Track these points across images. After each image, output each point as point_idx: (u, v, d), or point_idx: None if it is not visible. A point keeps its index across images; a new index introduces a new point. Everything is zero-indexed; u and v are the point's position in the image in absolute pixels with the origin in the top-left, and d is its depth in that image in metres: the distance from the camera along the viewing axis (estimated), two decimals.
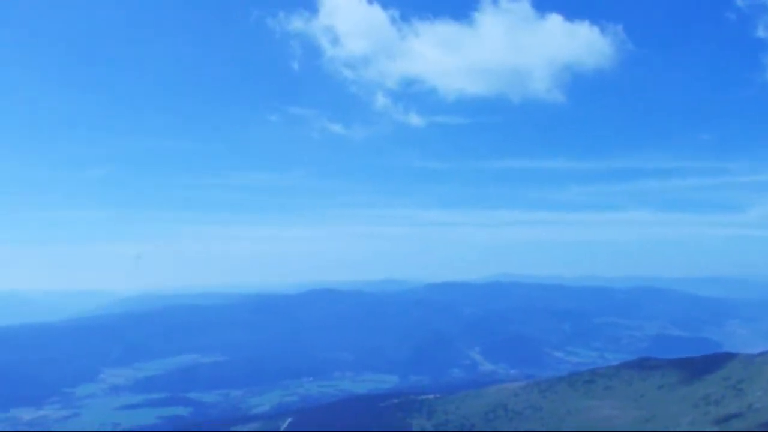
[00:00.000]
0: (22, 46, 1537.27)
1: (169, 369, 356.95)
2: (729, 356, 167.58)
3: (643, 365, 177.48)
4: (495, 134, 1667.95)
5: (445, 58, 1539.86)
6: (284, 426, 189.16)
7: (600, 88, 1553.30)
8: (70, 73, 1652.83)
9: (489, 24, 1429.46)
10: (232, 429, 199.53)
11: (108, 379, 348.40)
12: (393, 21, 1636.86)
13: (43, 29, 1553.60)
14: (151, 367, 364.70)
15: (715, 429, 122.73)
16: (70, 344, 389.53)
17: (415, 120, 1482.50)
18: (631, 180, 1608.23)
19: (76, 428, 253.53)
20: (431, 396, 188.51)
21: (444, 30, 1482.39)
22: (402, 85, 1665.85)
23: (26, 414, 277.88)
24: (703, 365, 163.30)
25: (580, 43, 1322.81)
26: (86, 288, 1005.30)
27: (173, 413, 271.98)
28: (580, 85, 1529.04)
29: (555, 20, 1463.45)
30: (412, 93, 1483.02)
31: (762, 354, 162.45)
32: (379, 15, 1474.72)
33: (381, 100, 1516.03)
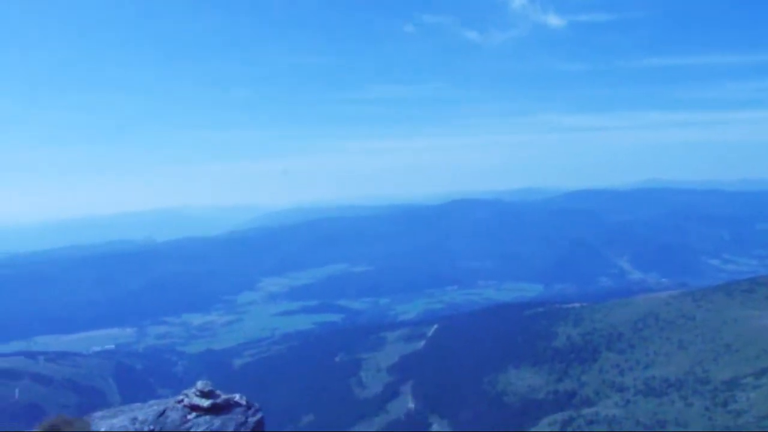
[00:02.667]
0: None
1: (320, 278, 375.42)
2: None
3: None
4: (641, 31, 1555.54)
5: None
6: (431, 332, 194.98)
7: None
8: None
9: None
10: (381, 334, 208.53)
11: (265, 287, 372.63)
12: None
13: None
14: (304, 276, 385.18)
15: None
16: (230, 256, 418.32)
17: (554, 20, 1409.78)
18: None
19: (239, 332, 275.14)
20: (577, 304, 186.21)
21: None
22: None
23: (196, 319, 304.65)
24: None
25: None
26: (240, 203, 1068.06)
27: (326, 319, 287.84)
28: None
29: None
30: None
31: None
32: None
33: (517, 2, 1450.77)
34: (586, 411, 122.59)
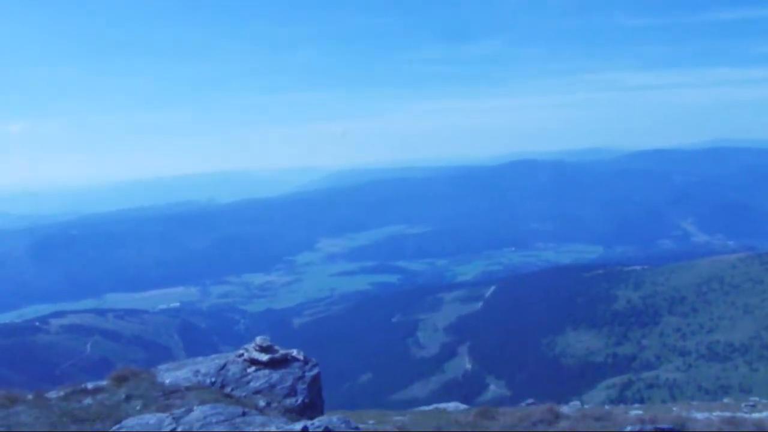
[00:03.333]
0: None
1: (378, 239, 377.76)
2: None
3: None
4: None
5: None
6: (488, 294, 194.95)
7: None
8: None
9: None
10: (439, 295, 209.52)
11: (324, 248, 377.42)
12: None
13: None
14: (362, 237, 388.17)
15: None
16: (290, 217, 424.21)
17: None
18: None
19: (298, 291, 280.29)
20: (638, 267, 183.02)
21: None
22: None
23: (256, 279, 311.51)
24: None
25: None
26: (301, 165, 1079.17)
27: (383, 280, 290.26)
28: None
29: None
30: None
31: None
32: None
33: None
34: (646, 375, 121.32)
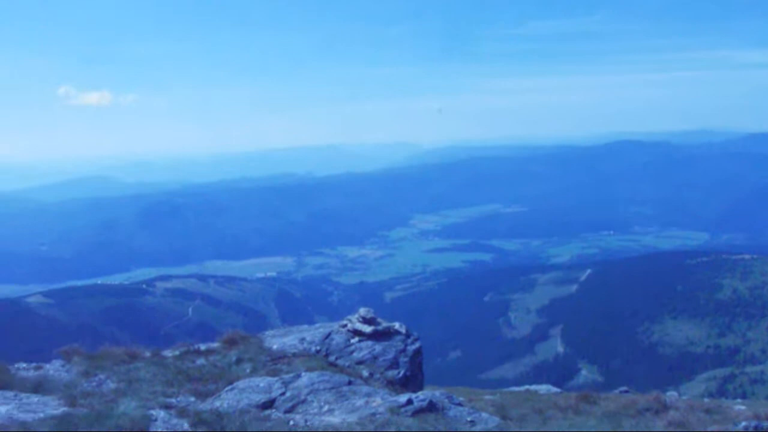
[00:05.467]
0: None
1: (472, 217, 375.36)
2: None
3: None
4: None
5: None
6: (583, 277, 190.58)
7: None
8: None
9: None
10: (532, 276, 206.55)
11: (418, 224, 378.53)
12: None
13: None
14: (456, 215, 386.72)
15: None
16: (385, 192, 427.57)
17: None
18: None
19: (391, 266, 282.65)
20: (747, 256, 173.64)
21: None
22: None
23: (350, 252, 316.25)
24: None
25: None
26: (396, 140, 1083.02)
27: (476, 258, 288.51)
28: None
29: None
30: None
31: None
32: None
33: None
34: (750, 369, 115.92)
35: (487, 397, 27.05)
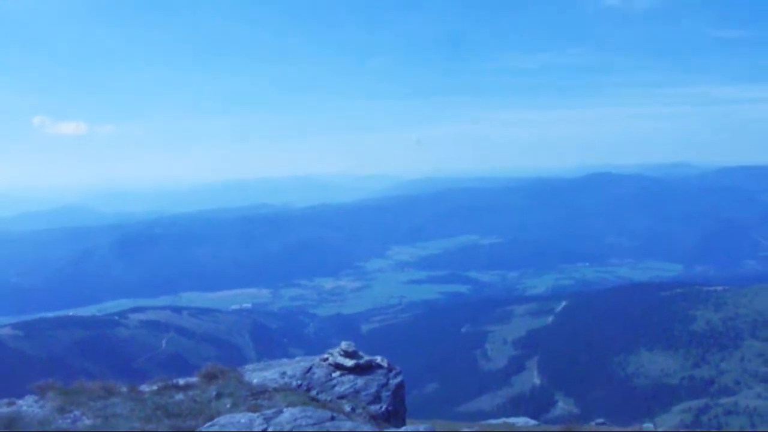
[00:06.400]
0: None
1: (449, 248, 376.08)
2: None
3: None
4: None
5: None
6: (559, 308, 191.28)
7: None
8: None
9: None
10: (509, 308, 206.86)
11: (395, 255, 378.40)
12: None
13: None
14: (433, 246, 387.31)
15: None
16: (361, 223, 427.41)
17: None
18: None
19: (367, 297, 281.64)
20: (720, 288, 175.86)
21: None
22: None
23: (327, 283, 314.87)
24: None
25: None
26: (374, 172, 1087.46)
27: (453, 290, 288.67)
28: None
29: None
30: None
31: None
32: None
33: None
34: (725, 400, 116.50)
35: (464, 430, 26.88)
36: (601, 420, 34.54)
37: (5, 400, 16.02)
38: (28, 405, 15.53)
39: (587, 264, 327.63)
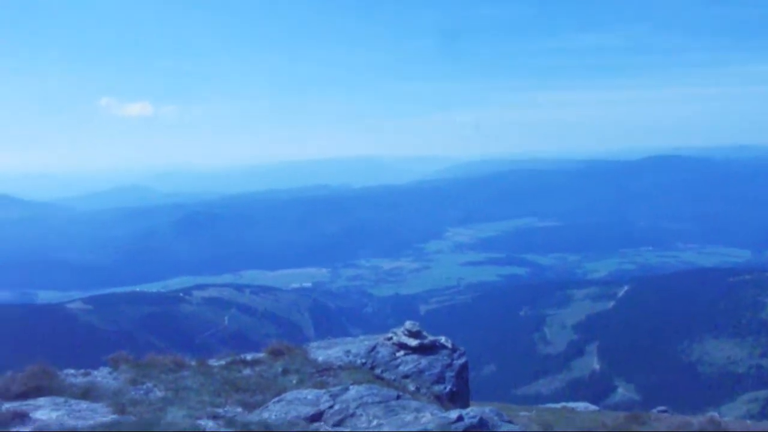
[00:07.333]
0: None
1: (506, 231, 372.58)
2: None
3: None
4: None
5: None
6: (621, 293, 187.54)
7: None
8: None
9: None
10: (568, 291, 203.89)
11: (452, 237, 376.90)
12: None
13: None
14: (490, 228, 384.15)
15: None
16: (419, 204, 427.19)
17: None
18: None
19: (426, 279, 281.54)
20: None
21: None
22: None
23: (385, 264, 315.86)
24: None
25: None
26: (427, 153, 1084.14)
27: (511, 272, 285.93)
28: None
29: None
30: None
31: None
32: None
33: None
34: None
35: (523, 413, 26.69)
36: (663, 408, 33.80)
37: (81, 371, 16.61)
38: (102, 376, 16.08)
39: (650, 248, 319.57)
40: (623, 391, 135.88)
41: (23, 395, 13.36)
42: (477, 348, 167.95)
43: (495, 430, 11.18)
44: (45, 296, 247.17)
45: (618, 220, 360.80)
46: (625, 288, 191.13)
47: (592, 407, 35.26)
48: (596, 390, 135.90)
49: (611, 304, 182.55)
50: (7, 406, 12.59)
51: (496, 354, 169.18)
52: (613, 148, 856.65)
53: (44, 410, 12.47)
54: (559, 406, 34.55)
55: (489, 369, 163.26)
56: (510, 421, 11.84)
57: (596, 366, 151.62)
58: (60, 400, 13.37)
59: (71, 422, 11.90)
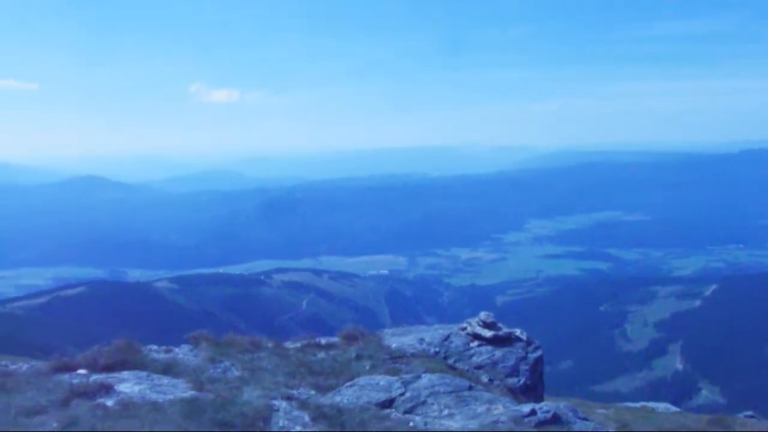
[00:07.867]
0: None
1: (589, 224, 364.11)
2: None
3: None
4: None
5: None
6: (708, 292, 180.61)
7: None
8: None
9: None
10: (652, 288, 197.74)
11: (532, 229, 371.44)
12: None
13: None
14: (572, 221, 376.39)
15: None
16: (499, 195, 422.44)
17: None
18: None
19: (503, 270, 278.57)
20: None
21: None
22: None
23: (463, 253, 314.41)
24: None
25: None
26: (509, 143, 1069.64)
27: (593, 266, 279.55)
28: None
29: None
30: None
31: None
32: None
33: None
34: None
35: (599, 410, 26.08)
36: (749, 413, 32.34)
37: (164, 348, 17.24)
38: (183, 353, 16.63)
39: (741, 246, 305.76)
40: (707, 394, 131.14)
41: (109, 368, 14.00)
42: (554, 342, 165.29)
43: (569, 425, 10.94)
44: (134, 274, 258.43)
45: (707, 216, 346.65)
46: (713, 287, 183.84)
47: (673, 408, 34.12)
48: (678, 391, 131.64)
49: (697, 302, 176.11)
50: (95, 377, 13.24)
51: (574, 349, 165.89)
52: (705, 141, 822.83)
53: (128, 383, 13.02)
54: (638, 405, 33.59)
55: (566, 364, 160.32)
56: (585, 418, 11.56)
57: (679, 366, 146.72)
58: (143, 374, 13.93)
59: (153, 396, 12.37)
